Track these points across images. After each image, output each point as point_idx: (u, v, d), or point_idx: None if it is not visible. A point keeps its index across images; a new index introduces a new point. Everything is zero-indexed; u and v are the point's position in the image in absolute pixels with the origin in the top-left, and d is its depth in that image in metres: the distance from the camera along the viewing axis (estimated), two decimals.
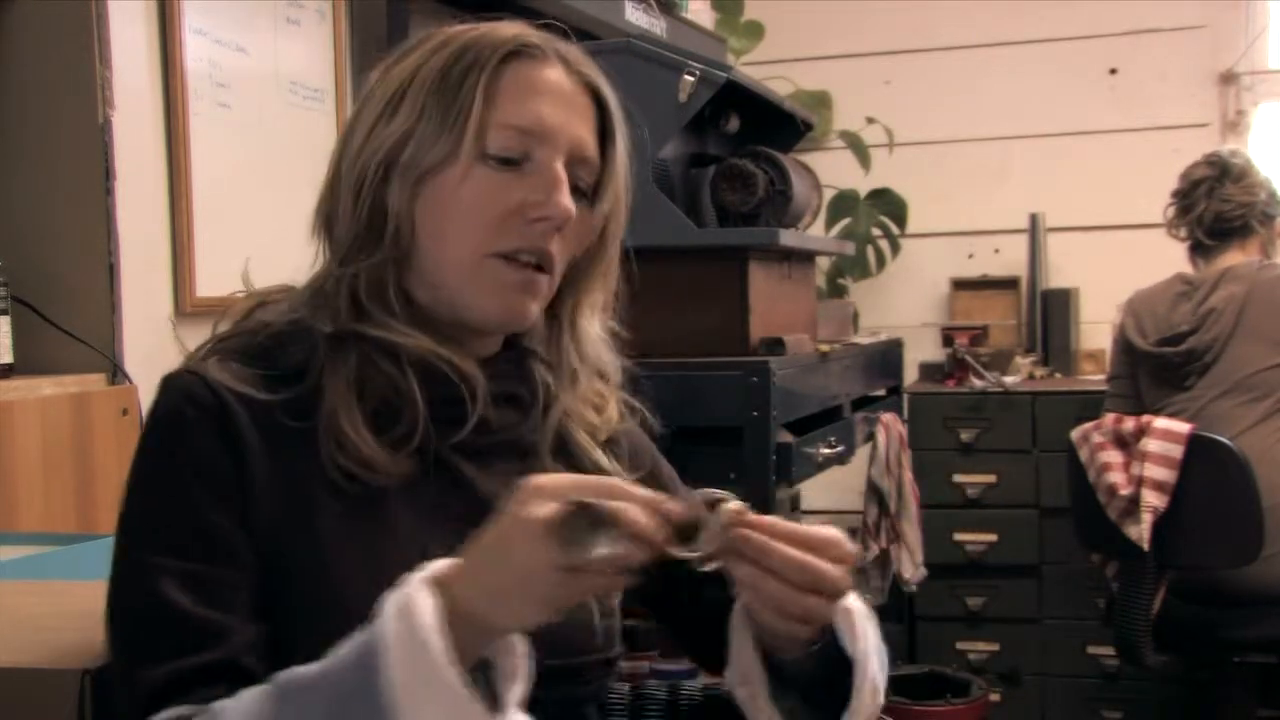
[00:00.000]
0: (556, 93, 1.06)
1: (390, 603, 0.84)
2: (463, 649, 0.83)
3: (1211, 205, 2.88)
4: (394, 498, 1.01)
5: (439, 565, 0.86)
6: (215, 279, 2.13)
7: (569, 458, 1.12)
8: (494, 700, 0.86)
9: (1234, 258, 2.89)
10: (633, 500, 0.83)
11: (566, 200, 1.04)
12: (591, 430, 1.15)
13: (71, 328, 1.91)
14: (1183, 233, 2.97)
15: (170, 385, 1.01)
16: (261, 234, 1.89)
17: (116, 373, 1.94)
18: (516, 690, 0.87)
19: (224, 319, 1.09)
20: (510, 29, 1.07)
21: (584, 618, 1.06)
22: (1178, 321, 2.86)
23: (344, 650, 0.85)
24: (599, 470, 1.12)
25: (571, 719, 1.07)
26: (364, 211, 1.05)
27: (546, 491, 0.83)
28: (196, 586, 0.94)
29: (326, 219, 1.09)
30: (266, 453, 0.99)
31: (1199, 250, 2.96)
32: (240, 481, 0.97)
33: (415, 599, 0.82)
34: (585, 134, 1.07)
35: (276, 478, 0.99)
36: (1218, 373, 2.79)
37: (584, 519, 0.80)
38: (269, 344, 1.05)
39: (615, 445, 1.18)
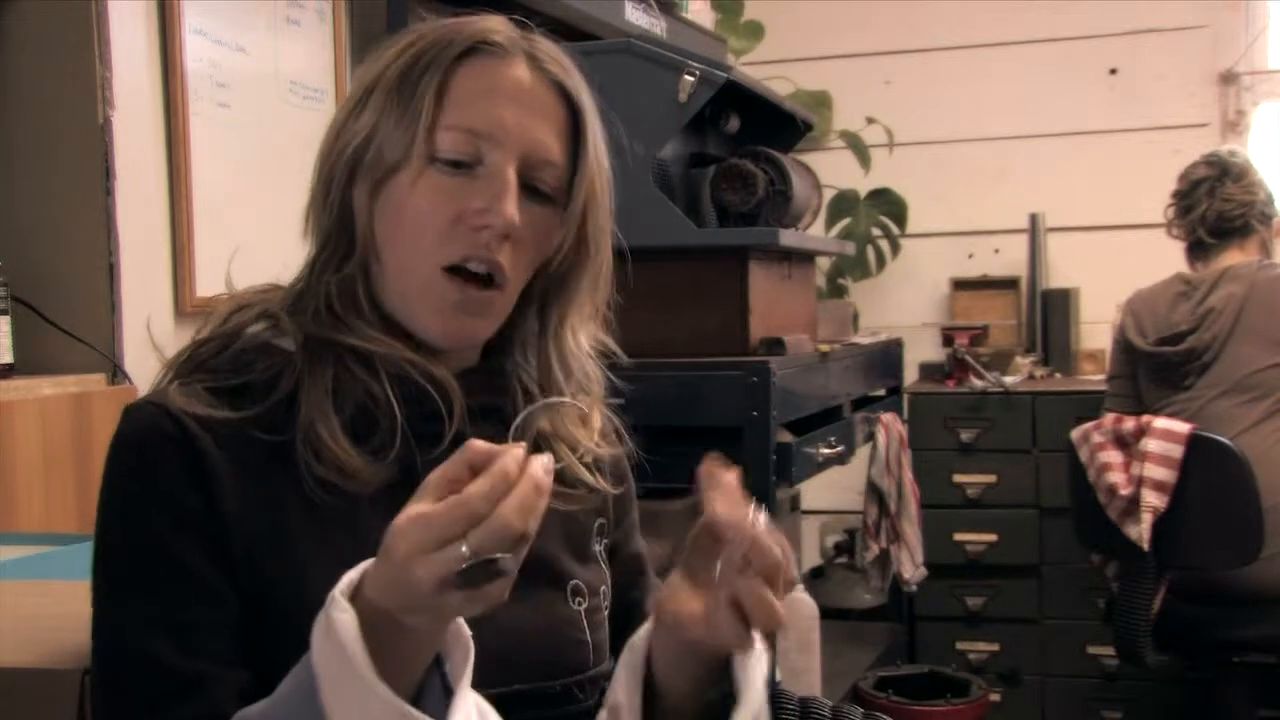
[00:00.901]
0: (514, 92, 1.01)
1: (317, 623, 0.82)
2: (397, 647, 0.81)
3: (1214, 205, 2.88)
4: (372, 514, 0.97)
5: (356, 572, 0.83)
6: (215, 279, 2.11)
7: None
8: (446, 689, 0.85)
9: (1233, 257, 2.89)
10: (505, 496, 0.78)
11: (511, 208, 0.99)
12: (573, 442, 1.11)
13: (71, 328, 1.91)
14: (1182, 233, 2.97)
15: (131, 417, 0.98)
16: (261, 234, 1.89)
17: (116, 373, 1.94)
18: (465, 679, 0.85)
19: (205, 324, 1.06)
20: (480, 24, 1.03)
21: (573, 635, 1.05)
22: (1177, 321, 2.86)
23: (288, 680, 0.84)
24: (579, 484, 1.09)
25: None
26: (334, 210, 1.03)
27: (428, 543, 0.77)
28: (177, 632, 0.92)
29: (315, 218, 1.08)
30: (237, 475, 0.96)
31: (1198, 250, 2.96)
32: (210, 513, 0.94)
33: (333, 617, 0.81)
34: (546, 135, 1.02)
35: (249, 500, 0.96)
36: (1217, 372, 2.79)
37: (479, 570, 0.77)
38: (243, 357, 1.02)
39: (598, 461, 1.14)
